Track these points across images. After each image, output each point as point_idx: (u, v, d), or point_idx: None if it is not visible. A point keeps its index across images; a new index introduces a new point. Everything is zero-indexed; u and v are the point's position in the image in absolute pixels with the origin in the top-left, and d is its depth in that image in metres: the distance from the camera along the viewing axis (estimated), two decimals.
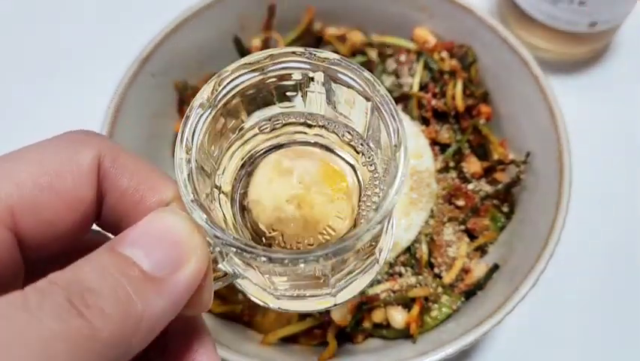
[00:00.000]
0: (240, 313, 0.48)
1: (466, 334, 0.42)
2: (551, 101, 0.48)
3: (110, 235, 0.27)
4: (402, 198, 0.48)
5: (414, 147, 0.50)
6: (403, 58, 0.55)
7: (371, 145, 0.29)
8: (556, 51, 0.62)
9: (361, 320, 0.47)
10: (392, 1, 0.55)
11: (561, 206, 0.45)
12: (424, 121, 0.53)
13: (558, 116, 0.48)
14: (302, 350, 0.47)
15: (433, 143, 0.52)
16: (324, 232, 0.28)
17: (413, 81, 0.54)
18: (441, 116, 0.53)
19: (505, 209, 0.51)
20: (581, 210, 0.49)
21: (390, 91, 0.53)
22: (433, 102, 0.53)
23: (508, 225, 0.51)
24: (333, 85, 0.27)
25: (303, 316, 0.47)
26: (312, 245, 0.28)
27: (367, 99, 0.27)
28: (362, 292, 0.34)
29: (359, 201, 0.29)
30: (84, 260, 0.21)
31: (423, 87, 0.54)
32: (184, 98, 0.55)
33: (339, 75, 0.27)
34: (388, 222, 0.30)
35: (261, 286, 0.30)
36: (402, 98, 0.53)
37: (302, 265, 0.23)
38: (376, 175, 0.29)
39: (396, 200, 0.25)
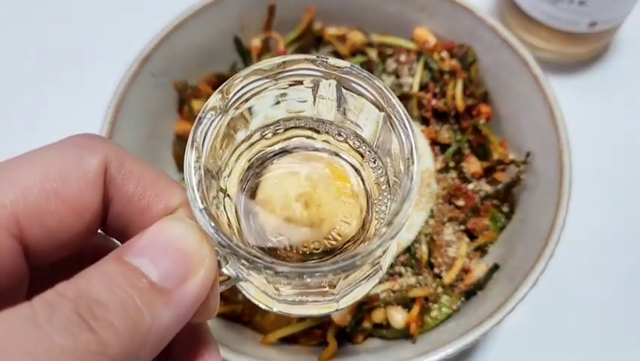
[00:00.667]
0: (240, 313, 0.48)
1: (466, 334, 0.42)
2: (551, 101, 0.48)
3: (115, 240, 0.27)
4: None
5: None
6: (403, 58, 0.55)
7: (379, 153, 0.29)
8: (557, 51, 0.62)
9: (361, 320, 0.47)
10: (392, 0, 0.55)
11: (561, 206, 0.45)
12: (424, 121, 0.53)
13: (558, 116, 0.48)
14: (302, 350, 0.47)
15: (433, 143, 0.52)
16: (330, 237, 0.28)
17: (413, 81, 0.54)
18: (441, 116, 0.53)
19: (505, 209, 0.51)
20: (581, 210, 0.49)
21: (392, 91, 0.53)
22: (433, 102, 0.53)
23: (508, 225, 0.51)
24: (345, 92, 0.27)
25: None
26: (317, 250, 0.28)
27: (379, 109, 0.27)
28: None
29: (367, 203, 0.29)
30: (91, 270, 0.21)
31: (423, 87, 0.54)
32: (184, 98, 0.55)
33: (352, 84, 0.27)
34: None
35: (262, 290, 0.30)
36: (402, 98, 0.53)
37: (308, 280, 0.23)
38: (382, 178, 0.29)
39: (409, 214, 0.24)
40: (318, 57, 0.27)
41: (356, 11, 0.57)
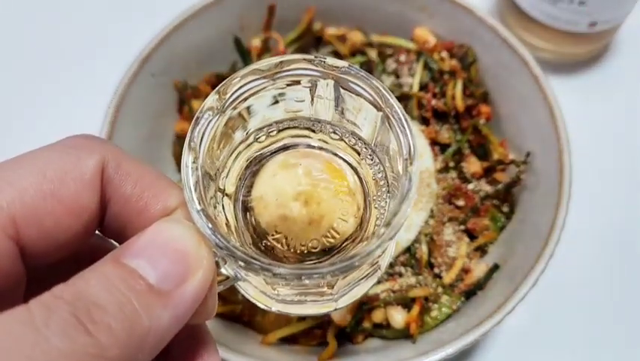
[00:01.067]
0: (239, 313, 0.48)
1: (466, 334, 0.42)
2: (551, 101, 0.48)
3: (113, 241, 0.27)
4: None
5: None
6: (402, 58, 0.55)
7: (377, 152, 0.29)
8: (556, 51, 0.62)
9: (361, 320, 0.47)
10: (392, 0, 0.55)
11: (561, 206, 0.45)
12: (424, 121, 0.53)
13: (558, 116, 0.48)
14: (302, 350, 0.47)
15: (433, 143, 0.52)
16: (329, 235, 0.28)
17: (413, 81, 0.54)
18: (441, 116, 0.53)
19: (505, 209, 0.51)
20: (581, 210, 0.49)
21: (390, 91, 0.53)
22: (433, 102, 0.53)
23: (508, 225, 0.51)
24: (343, 92, 0.27)
25: (302, 316, 0.47)
26: (315, 249, 0.28)
27: (377, 109, 0.27)
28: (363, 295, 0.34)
29: (364, 201, 0.29)
30: (88, 272, 0.20)
31: (423, 87, 0.54)
32: (184, 98, 0.55)
33: (350, 84, 0.27)
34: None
35: (261, 290, 0.30)
36: (402, 98, 0.53)
37: (306, 281, 0.23)
38: (380, 174, 0.29)
39: (408, 215, 0.24)
40: (315, 57, 0.26)
41: (356, 11, 0.57)
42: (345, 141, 0.30)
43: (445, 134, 0.53)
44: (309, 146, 0.30)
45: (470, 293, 0.47)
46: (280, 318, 0.47)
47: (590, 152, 0.55)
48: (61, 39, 0.66)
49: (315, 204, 0.28)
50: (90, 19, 0.68)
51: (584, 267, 0.55)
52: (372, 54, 0.56)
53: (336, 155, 0.30)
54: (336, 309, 0.32)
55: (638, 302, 0.54)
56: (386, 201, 0.28)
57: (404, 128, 0.26)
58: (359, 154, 0.30)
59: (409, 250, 0.48)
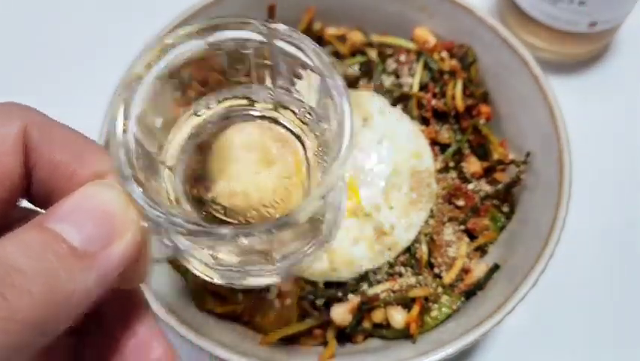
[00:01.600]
0: (239, 313, 0.48)
1: (466, 334, 0.42)
2: (551, 101, 0.48)
3: (40, 210, 0.27)
4: (402, 197, 0.48)
5: (414, 146, 0.50)
6: (402, 58, 0.55)
7: (319, 114, 0.29)
8: (557, 51, 0.62)
9: (361, 320, 0.47)
10: (392, 0, 0.55)
11: (561, 206, 0.45)
12: (424, 121, 0.53)
13: (558, 116, 0.48)
14: (302, 350, 0.47)
15: (433, 143, 0.52)
16: (269, 205, 0.28)
17: (413, 81, 0.54)
18: (441, 116, 0.53)
19: (505, 209, 0.51)
20: (581, 210, 0.49)
21: (390, 91, 0.53)
22: (433, 102, 0.53)
23: (508, 225, 0.51)
24: (282, 57, 0.27)
25: (303, 316, 0.47)
26: (254, 220, 0.28)
27: (315, 72, 0.26)
28: (308, 268, 0.33)
29: (307, 171, 0.29)
30: (9, 238, 0.20)
31: (423, 87, 0.54)
32: None
33: (290, 48, 0.26)
34: (341, 198, 0.30)
35: (204, 261, 0.30)
36: (402, 98, 0.53)
37: (244, 241, 0.23)
38: (319, 133, 0.29)
39: (339, 175, 0.24)
40: (255, 20, 0.26)
41: (356, 11, 0.57)
42: (283, 106, 0.29)
43: (445, 134, 0.53)
44: (252, 116, 0.30)
45: (470, 293, 0.47)
46: (280, 318, 0.47)
47: (590, 152, 0.55)
48: (61, 39, 0.66)
49: (266, 162, 0.28)
50: (90, 19, 0.68)
51: (584, 267, 0.55)
52: (372, 54, 0.56)
53: (280, 124, 0.30)
54: (279, 281, 0.31)
55: (638, 302, 0.54)
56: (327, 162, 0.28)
57: (339, 89, 0.26)
58: (295, 114, 0.29)
59: (409, 250, 0.48)
